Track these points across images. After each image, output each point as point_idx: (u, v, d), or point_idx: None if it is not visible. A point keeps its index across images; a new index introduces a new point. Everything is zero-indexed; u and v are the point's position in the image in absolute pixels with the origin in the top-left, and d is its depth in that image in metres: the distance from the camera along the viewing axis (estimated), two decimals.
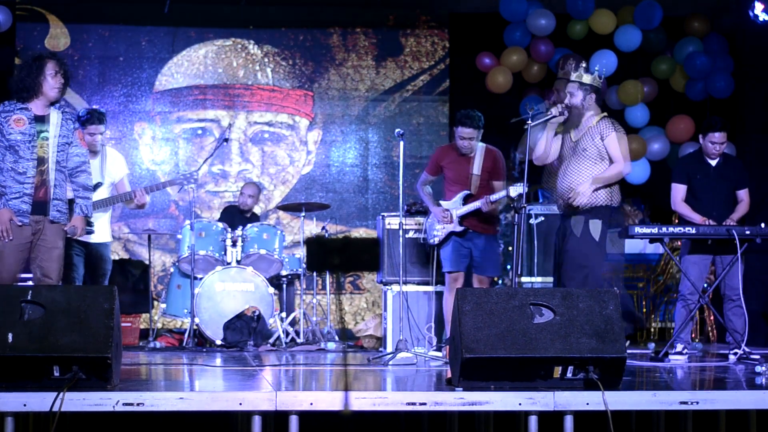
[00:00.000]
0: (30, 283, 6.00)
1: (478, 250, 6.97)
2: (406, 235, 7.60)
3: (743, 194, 7.11)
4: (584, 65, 6.78)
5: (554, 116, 6.49)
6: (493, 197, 6.85)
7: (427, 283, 7.63)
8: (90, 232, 6.44)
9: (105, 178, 6.98)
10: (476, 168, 6.98)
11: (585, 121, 6.55)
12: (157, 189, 7.42)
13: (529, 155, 6.39)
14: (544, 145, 6.59)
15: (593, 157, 6.50)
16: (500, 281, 9.62)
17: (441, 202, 7.13)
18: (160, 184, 7.47)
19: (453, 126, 7.14)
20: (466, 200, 6.97)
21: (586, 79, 6.52)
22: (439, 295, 7.54)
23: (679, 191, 7.14)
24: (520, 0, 9.67)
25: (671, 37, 9.92)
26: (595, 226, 6.45)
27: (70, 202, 5.88)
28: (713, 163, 7.08)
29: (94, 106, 9.61)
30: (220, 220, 8.57)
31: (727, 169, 7.11)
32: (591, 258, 6.44)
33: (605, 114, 6.64)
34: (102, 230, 6.96)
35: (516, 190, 6.72)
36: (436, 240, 7.06)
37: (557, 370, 4.48)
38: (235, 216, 8.71)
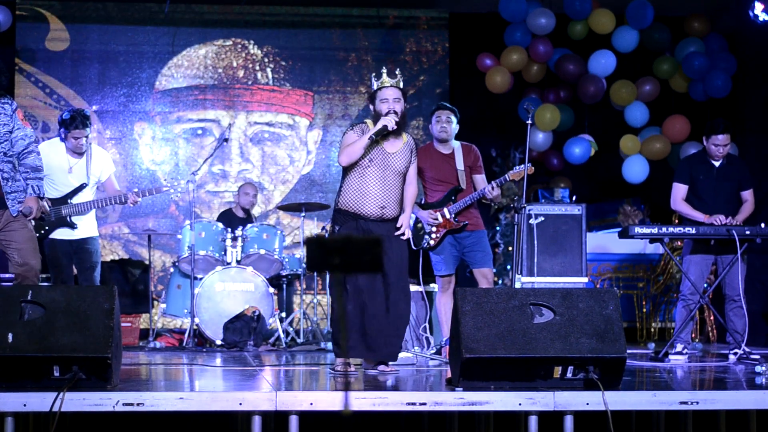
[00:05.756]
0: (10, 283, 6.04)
1: (474, 246, 6.84)
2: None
3: (747, 195, 7.08)
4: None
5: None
6: (497, 181, 6.70)
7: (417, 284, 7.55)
8: (74, 228, 6.81)
9: (90, 178, 6.98)
10: (460, 164, 6.88)
11: None
12: (150, 194, 7.37)
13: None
14: None
15: None
16: (500, 281, 9.61)
17: (426, 203, 6.99)
18: (153, 189, 7.42)
19: (428, 119, 6.98)
20: (457, 195, 6.85)
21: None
22: (431, 295, 7.49)
23: (679, 191, 7.12)
24: (519, 0, 9.66)
25: (672, 37, 9.91)
26: None
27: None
28: (717, 164, 7.05)
29: (93, 107, 9.61)
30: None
31: (731, 169, 7.07)
32: None
33: None
34: (87, 225, 7.01)
35: (518, 174, 6.64)
36: (432, 243, 6.81)
37: (557, 370, 4.48)
38: (232, 220, 8.66)
